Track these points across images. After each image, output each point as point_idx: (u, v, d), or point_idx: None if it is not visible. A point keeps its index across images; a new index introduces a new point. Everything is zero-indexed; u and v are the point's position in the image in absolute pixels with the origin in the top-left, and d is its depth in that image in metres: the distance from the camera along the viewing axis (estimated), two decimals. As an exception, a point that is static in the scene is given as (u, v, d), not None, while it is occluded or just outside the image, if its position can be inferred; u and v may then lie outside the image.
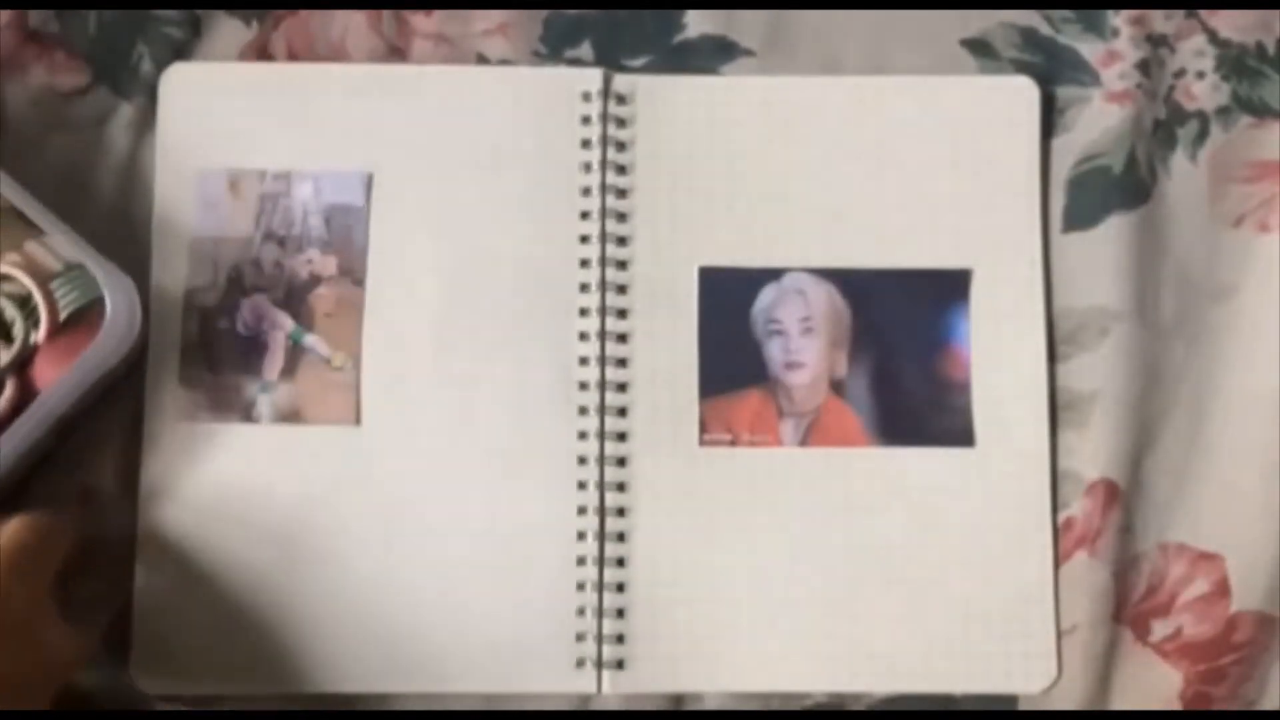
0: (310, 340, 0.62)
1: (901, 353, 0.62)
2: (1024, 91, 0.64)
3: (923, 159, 0.63)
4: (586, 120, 0.63)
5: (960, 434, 0.62)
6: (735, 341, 0.62)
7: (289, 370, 0.61)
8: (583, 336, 0.62)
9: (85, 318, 0.58)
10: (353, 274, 0.62)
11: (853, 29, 0.65)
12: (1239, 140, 0.64)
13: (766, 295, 0.63)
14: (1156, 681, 0.61)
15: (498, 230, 0.62)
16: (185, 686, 0.60)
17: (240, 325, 0.62)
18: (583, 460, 0.61)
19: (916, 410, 0.62)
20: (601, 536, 0.60)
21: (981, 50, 0.65)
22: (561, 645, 0.60)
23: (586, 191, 0.63)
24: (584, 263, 0.62)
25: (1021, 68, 0.65)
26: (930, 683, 0.60)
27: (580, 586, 0.60)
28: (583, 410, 0.61)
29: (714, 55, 0.65)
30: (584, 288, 0.62)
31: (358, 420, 0.61)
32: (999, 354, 0.62)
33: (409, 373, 0.61)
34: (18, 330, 0.57)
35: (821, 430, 0.62)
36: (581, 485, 0.61)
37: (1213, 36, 0.65)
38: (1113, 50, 0.65)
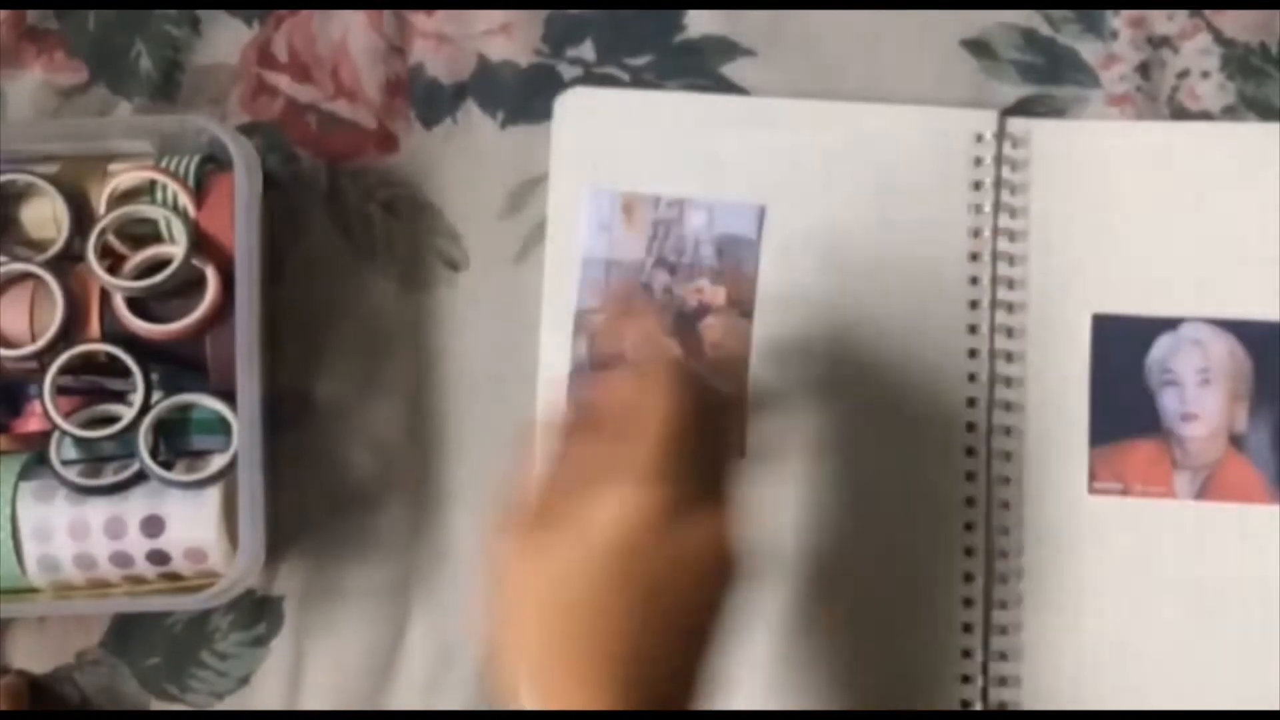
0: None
1: (1308, 408, 0.61)
2: None
3: None
4: (979, 162, 0.61)
5: (1372, 495, 0.61)
6: (1128, 390, 0.61)
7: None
8: (971, 378, 0.61)
9: (209, 180, 0.59)
10: (741, 305, 0.61)
11: (853, 29, 0.65)
12: (1244, 141, 0.68)
13: (1162, 345, 0.61)
14: None
15: (885, 268, 0.61)
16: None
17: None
18: (970, 502, 0.60)
19: (1324, 469, 0.61)
20: (989, 577, 0.60)
21: (981, 51, 0.66)
22: (945, 686, 0.60)
23: (976, 233, 0.61)
24: (973, 304, 0.61)
25: (1021, 69, 0.66)
26: None
27: (967, 628, 0.60)
28: (970, 451, 0.60)
29: (715, 55, 0.65)
30: (972, 329, 0.61)
31: None
32: None
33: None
34: (174, 221, 0.57)
35: (1219, 484, 0.60)
36: (969, 527, 0.60)
37: (1218, 36, 0.65)
38: (1112, 53, 0.66)
